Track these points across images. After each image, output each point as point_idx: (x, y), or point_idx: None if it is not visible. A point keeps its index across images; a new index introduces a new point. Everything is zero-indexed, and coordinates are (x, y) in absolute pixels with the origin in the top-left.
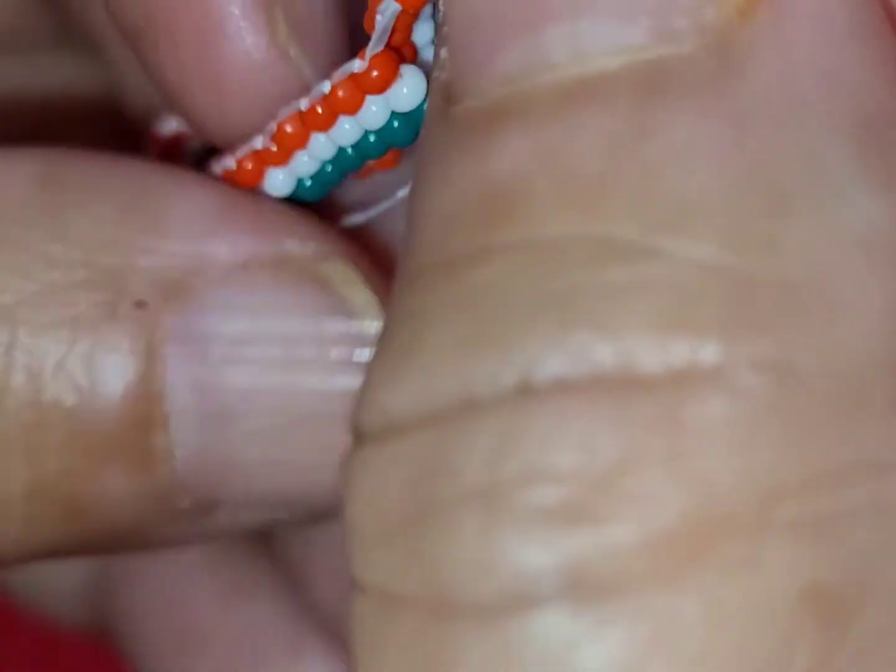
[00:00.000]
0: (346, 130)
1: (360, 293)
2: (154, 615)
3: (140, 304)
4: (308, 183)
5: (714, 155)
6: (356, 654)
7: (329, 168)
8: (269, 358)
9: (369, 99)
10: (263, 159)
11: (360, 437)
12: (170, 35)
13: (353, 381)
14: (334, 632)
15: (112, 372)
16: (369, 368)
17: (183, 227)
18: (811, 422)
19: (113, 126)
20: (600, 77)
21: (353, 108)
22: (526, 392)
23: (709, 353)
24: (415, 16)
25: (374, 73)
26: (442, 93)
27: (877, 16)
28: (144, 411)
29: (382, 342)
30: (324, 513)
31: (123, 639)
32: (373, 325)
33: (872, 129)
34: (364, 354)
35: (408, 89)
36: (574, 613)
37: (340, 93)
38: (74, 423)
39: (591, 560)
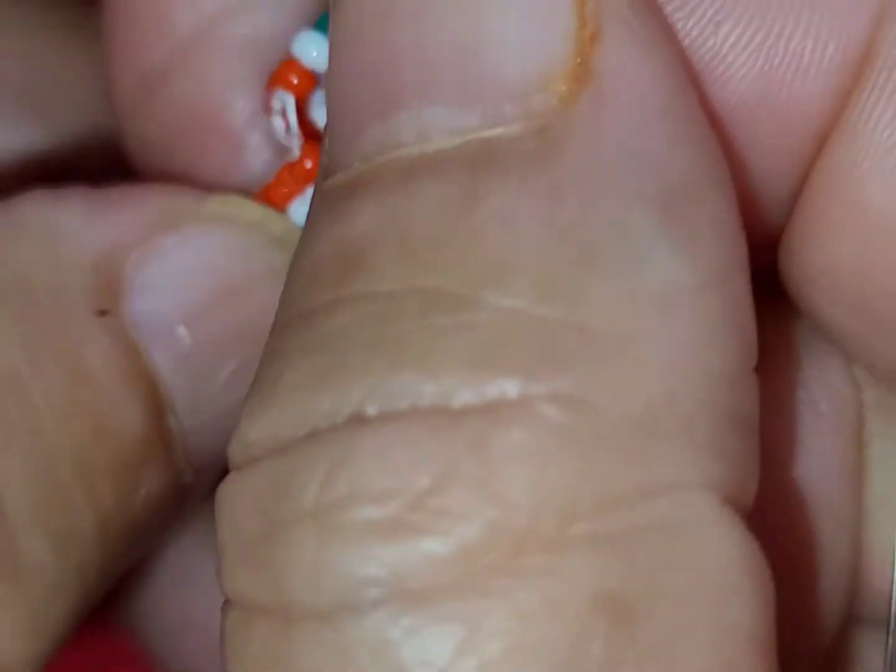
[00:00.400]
0: None
1: (249, 209)
2: (163, 602)
3: (103, 313)
4: None
5: (530, 219)
6: (226, 661)
7: None
8: (214, 302)
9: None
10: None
11: (230, 466)
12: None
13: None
14: None
15: (113, 379)
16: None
17: (74, 234)
18: (604, 449)
19: None
20: (439, 154)
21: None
22: (357, 423)
23: (513, 388)
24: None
25: (308, 165)
26: (322, 172)
27: (687, 98)
28: (155, 400)
29: (252, 382)
30: None
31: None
32: (277, 227)
33: (675, 198)
34: (282, 259)
35: None
36: (395, 617)
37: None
38: (112, 443)
39: (410, 569)
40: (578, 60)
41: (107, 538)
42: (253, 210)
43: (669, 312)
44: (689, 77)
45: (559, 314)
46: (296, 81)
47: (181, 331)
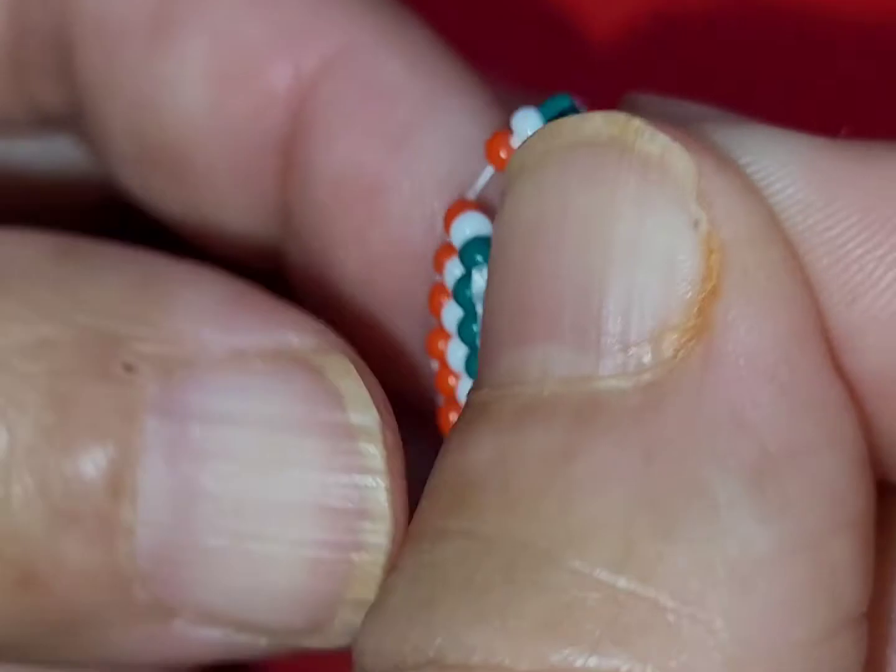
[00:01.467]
0: None
1: (353, 385)
2: None
3: (128, 368)
4: None
5: (620, 485)
6: None
7: None
8: (253, 443)
9: None
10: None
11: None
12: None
13: (336, 475)
14: None
15: (87, 430)
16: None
17: (185, 311)
18: None
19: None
20: (552, 398)
21: None
22: (435, 668)
23: (578, 659)
24: None
25: None
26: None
27: (803, 360)
28: (115, 477)
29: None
30: (303, 644)
31: None
32: (364, 418)
33: (770, 462)
34: (354, 447)
35: None
36: None
37: None
38: (39, 477)
39: None
40: (696, 312)
41: None
42: (352, 386)
43: (747, 585)
44: (813, 339)
45: (632, 586)
46: (504, 156)
47: (192, 443)
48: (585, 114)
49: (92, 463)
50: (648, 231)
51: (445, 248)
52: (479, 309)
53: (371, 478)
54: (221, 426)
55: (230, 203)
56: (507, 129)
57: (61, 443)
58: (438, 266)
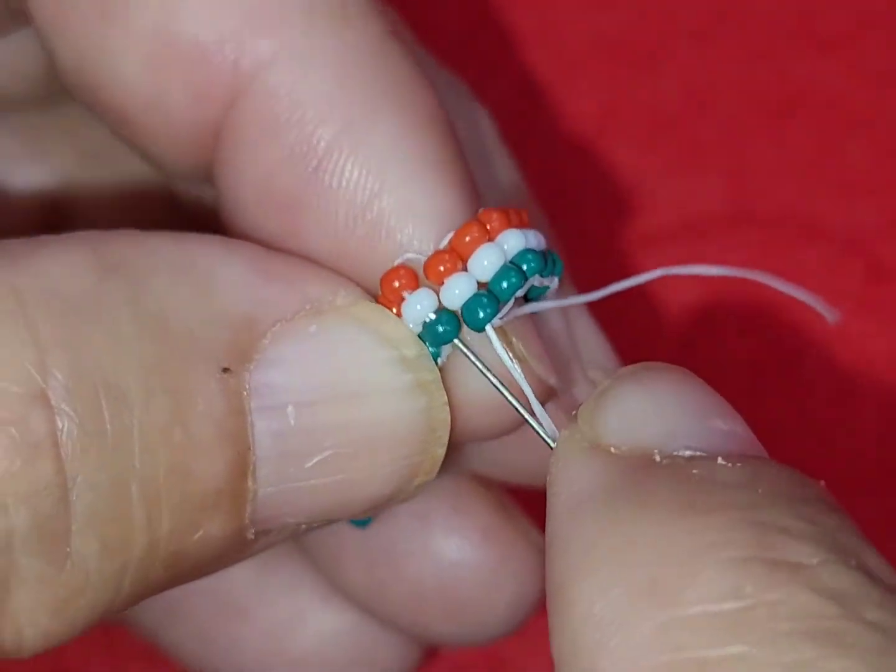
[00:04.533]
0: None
1: (393, 325)
2: (193, 594)
3: (226, 370)
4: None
5: None
6: None
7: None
8: (330, 397)
9: None
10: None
11: None
12: None
13: (401, 405)
14: (362, 605)
15: (212, 432)
16: None
17: (233, 289)
18: None
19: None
20: None
21: None
22: None
23: None
24: None
25: None
26: None
27: None
28: (241, 462)
29: None
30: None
31: (155, 624)
32: (411, 351)
33: None
34: (406, 379)
35: None
36: None
37: None
38: (187, 483)
39: None
40: None
41: (151, 559)
42: (391, 325)
43: None
44: None
45: None
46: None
47: (290, 410)
48: None
49: (222, 456)
50: None
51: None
52: None
53: (431, 396)
54: (302, 392)
55: (166, 160)
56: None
57: (194, 449)
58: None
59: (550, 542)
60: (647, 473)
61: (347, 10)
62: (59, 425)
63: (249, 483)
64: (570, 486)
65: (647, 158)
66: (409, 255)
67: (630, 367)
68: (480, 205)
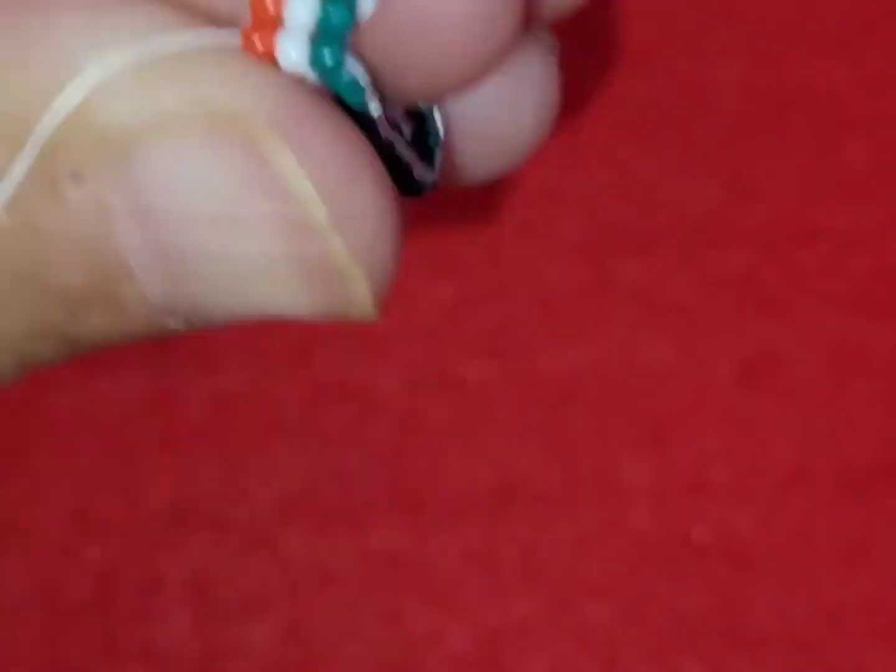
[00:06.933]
0: None
1: (286, 156)
2: None
3: (76, 177)
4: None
5: None
6: None
7: None
8: (210, 220)
9: None
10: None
11: None
12: None
13: (286, 243)
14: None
15: (66, 235)
16: None
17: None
18: None
19: None
20: None
21: None
22: None
23: None
24: None
25: None
26: None
27: None
28: (105, 269)
29: None
30: None
31: None
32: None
33: None
34: (296, 212)
35: None
36: None
37: None
38: (48, 282)
39: None
40: None
41: (36, 345)
42: (285, 157)
43: None
44: None
45: None
46: None
47: (161, 228)
48: None
49: (82, 261)
50: None
51: None
52: None
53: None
54: (180, 210)
55: None
56: None
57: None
58: None
59: None
60: None
61: None
62: None
63: (127, 288)
64: None
65: (647, 158)
66: None
67: None
68: None
